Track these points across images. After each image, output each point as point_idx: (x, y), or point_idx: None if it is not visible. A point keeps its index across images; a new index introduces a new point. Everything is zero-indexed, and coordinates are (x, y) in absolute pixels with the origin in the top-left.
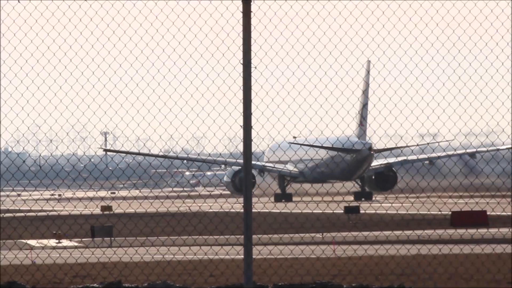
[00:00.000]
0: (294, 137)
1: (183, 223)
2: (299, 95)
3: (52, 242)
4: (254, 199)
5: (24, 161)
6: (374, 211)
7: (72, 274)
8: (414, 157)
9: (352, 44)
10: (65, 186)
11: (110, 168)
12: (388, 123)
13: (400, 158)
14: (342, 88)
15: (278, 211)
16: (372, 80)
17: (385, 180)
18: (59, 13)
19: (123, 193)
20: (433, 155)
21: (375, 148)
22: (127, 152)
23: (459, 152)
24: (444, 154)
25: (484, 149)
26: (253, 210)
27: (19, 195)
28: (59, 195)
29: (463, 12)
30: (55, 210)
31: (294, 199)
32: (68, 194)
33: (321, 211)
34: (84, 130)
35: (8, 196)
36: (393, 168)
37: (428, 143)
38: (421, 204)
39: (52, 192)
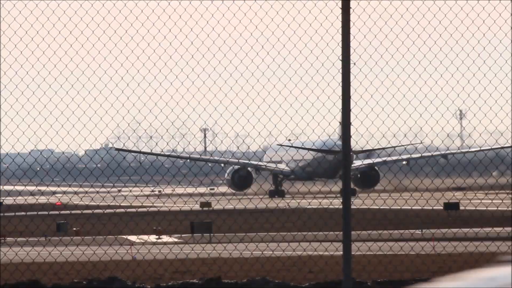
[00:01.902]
0: (289, 140)
1: (282, 219)
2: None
3: (152, 238)
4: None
5: (124, 158)
6: (474, 208)
7: (172, 270)
8: (394, 158)
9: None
10: (165, 182)
11: (209, 164)
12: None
13: (382, 159)
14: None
15: (377, 207)
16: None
17: (369, 178)
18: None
19: (222, 189)
20: (414, 155)
21: (354, 149)
22: (139, 152)
23: (434, 153)
24: (418, 155)
25: (457, 151)
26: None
27: (119, 191)
28: (159, 191)
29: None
30: (155, 206)
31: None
32: (168, 190)
33: (420, 207)
34: (184, 127)
35: (108, 192)
36: (376, 168)
37: (402, 145)
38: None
39: (152, 188)
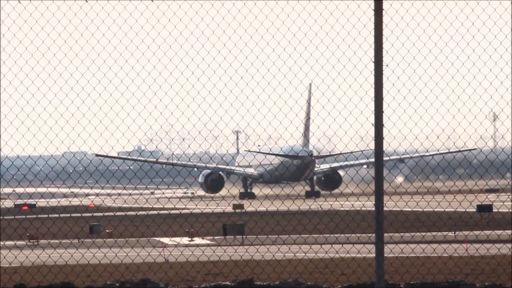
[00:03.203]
0: (259, 146)
1: (314, 221)
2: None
3: (185, 240)
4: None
5: (157, 160)
6: (507, 210)
7: (204, 272)
8: (354, 162)
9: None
10: (197, 184)
11: (241, 166)
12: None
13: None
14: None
15: (410, 209)
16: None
17: (332, 181)
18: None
19: (255, 190)
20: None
21: (316, 154)
22: (118, 158)
23: (392, 157)
24: (386, 158)
25: (413, 154)
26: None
27: (152, 193)
28: (192, 193)
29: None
30: (187, 208)
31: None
32: (201, 192)
33: (453, 209)
34: (216, 129)
35: (141, 194)
36: (338, 171)
37: (361, 150)
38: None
39: (184, 190)
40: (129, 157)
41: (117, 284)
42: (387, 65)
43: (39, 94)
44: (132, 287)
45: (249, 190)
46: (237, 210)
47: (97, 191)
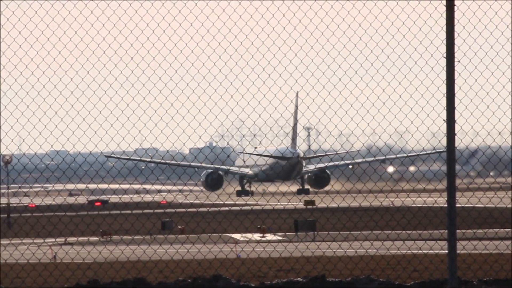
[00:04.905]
0: (255, 147)
1: (386, 218)
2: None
3: (256, 236)
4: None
5: (228, 156)
6: None
7: (276, 268)
8: (341, 162)
9: None
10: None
11: (356, 161)
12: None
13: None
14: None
15: (482, 205)
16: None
17: (321, 180)
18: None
19: (326, 187)
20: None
21: (302, 156)
22: (127, 159)
23: (375, 158)
24: (361, 160)
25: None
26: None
27: (223, 189)
28: (263, 189)
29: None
30: (259, 204)
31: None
32: (272, 188)
33: None
34: (287, 125)
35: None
36: (326, 171)
37: (347, 151)
38: None
39: (256, 186)
40: (131, 157)
41: (189, 280)
42: (459, 61)
43: (111, 91)
44: (204, 283)
45: (248, 189)
46: (309, 207)
47: (169, 187)
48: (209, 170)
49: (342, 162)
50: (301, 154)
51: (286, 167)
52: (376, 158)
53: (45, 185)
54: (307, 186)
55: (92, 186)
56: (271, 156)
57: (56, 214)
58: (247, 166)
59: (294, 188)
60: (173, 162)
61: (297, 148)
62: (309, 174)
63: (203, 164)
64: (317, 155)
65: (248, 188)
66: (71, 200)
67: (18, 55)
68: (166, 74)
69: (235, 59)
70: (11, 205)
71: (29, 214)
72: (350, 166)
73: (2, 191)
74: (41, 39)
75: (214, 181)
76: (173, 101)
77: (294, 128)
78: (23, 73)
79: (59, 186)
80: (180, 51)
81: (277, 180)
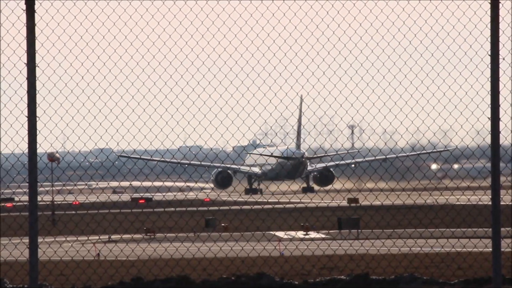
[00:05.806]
0: (264, 147)
1: (430, 216)
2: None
3: (300, 234)
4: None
5: (272, 154)
6: None
7: (319, 266)
8: (344, 162)
9: None
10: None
11: (357, 160)
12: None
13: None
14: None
15: None
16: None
17: (325, 178)
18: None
19: (370, 185)
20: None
21: (306, 156)
22: (140, 158)
23: (378, 157)
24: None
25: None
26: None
27: (267, 187)
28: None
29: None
30: (302, 202)
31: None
32: (315, 186)
33: None
34: (331, 123)
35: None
36: (331, 169)
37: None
38: None
39: (299, 184)
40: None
41: (232, 278)
42: (503, 58)
43: (155, 89)
44: (247, 281)
45: (257, 187)
46: (352, 204)
47: (212, 185)
48: (219, 169)
49: (342, 162)
50: (306, 154)
51: (287, 166)
52: (387, 156)
53: (89, 182)
54: (313, 185)
55: (135, 183)
56: (276, 156)
57: (100, 211)
58: (256, 165)
59: (297, 187)
60: (183, 161)
61: (302, 149)
62: (314, 173)
63: (213, 164)
64: (319, 155)
65: (256, 186)
66: (115, 197)
67: (63, 53)
68: (210, 72)
69: (279, 56)
70: (55, 202)
71: (73, 211)
72: (353, 166)
73: (47, 189)
74: (79, 39)
75: (224, 180)
76: (217, 99)
77: (299, 129)
78: (68, 71)
79: (103, 184)
80: (224, 49)
81: (285, 179)
